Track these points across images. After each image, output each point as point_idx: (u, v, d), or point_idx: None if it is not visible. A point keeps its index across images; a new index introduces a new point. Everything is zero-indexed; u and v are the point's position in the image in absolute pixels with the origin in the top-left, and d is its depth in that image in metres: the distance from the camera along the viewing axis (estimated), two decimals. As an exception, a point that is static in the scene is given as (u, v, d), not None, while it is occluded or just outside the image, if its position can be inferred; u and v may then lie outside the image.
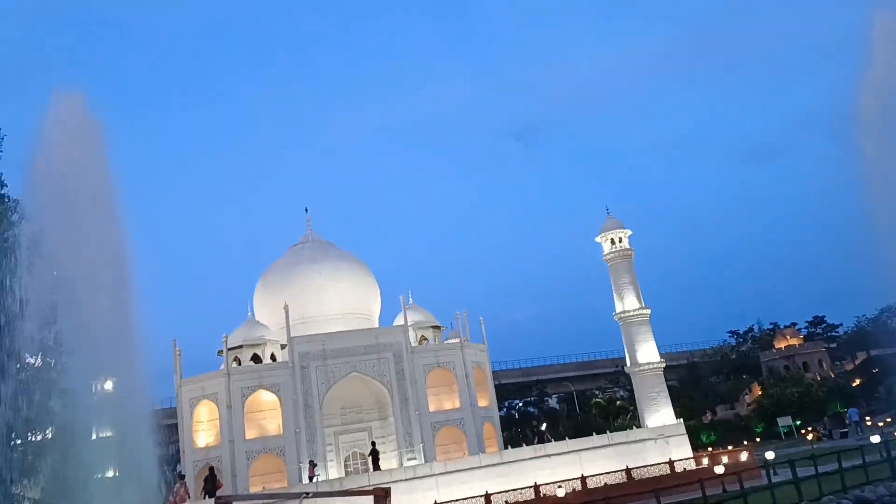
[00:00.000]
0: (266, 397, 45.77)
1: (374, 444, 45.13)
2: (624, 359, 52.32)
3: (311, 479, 41.16)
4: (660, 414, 48.13)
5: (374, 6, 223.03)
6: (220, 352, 47.77)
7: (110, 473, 19.21)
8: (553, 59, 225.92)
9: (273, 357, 48.73)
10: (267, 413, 45.93)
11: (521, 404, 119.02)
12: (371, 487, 7.43)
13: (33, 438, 19.50)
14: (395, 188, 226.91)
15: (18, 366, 18.13)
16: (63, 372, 18.39)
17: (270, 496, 21.29)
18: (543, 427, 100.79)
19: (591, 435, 45.96)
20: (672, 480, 32.49)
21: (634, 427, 51.07)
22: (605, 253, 51.87)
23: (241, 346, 48.09)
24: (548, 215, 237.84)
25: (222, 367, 46.70)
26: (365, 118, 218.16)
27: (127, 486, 16.58)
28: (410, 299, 53.24)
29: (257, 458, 43.74)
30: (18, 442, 18.90)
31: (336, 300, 52.76)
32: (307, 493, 17.97)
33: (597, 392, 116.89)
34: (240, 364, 47.33)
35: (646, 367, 49.03)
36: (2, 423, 17.47)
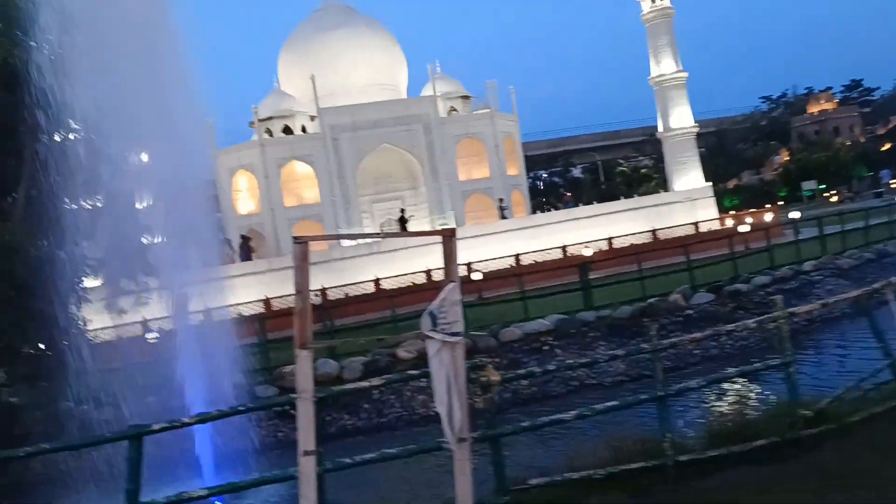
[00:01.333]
0: (300, 168, 46.78)
1: (402, 211, 46.36)
2: (652, 127, 51.84)
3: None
4: (689, 178, 48.66)
5: None
6: (252, 123, 48.04)
7: (158, 239, 20.33)
8: None
9: (304, 129, 48.98)
10: (303, 183, 47.24)
11: (545, 175, 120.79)
12: (439, 228, 7.84)
13: (86, 204, 20.17)
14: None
15: (62, 131, 18.44)
16: (107, 138, 18.43)
17: (344, 236, 21.27)
18: (568, 195, 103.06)
19: (608, 202, 47.14)
20: (695, 240, 33.71)
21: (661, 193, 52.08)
22: (643, 12, 49.14)
23: (271, 118, 48.19)
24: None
25: (254, 137, 47.25)
26: None
27: (184, 248, 17.44)
28: (438, 69, 51.91)
29: (297, 224, 45.76)
30: (75, 206, 19.70)
31: (361, 70, 51.57)
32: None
33: (621, 161, 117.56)
34: (271, 135, 47.78)
35: (678, 131, 48.64)
36: (57, 185, 18.18)
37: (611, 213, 44.64)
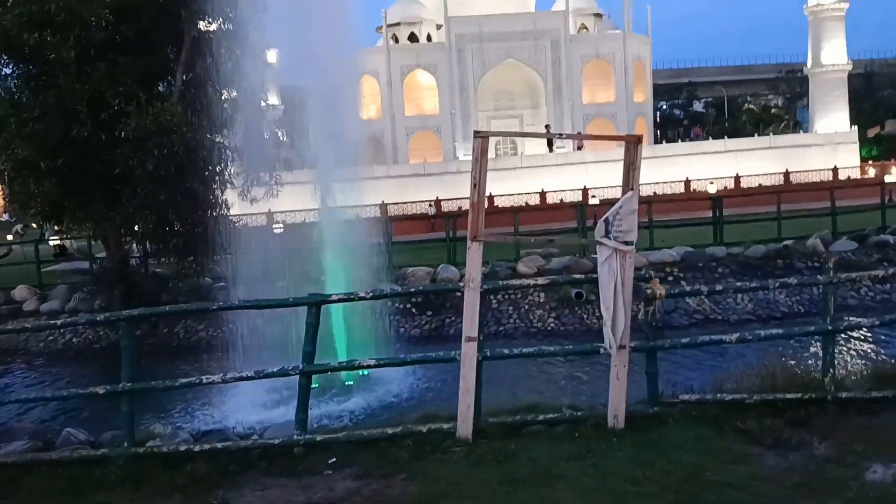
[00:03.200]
0: (423, 78, 46.70)
1: (547, 127, 44.95)
2: (786, 64, 48.28)
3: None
4: (832, 120, 45.35)
5: None
6: (379, 28, 48.03)
7: (281, 136, 20.95)
8: None
9: (429, 37, 48.58)
10: (424, 93, 47.26)
11: (665, 106, 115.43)
12: (624, 135, 7.76)
13: (226, 94, 20.81)
14: None
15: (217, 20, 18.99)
16: (256, 31, 18.72)
17: (523, 134, 20.59)
18: (687, 131, 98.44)
19: (737, 139, 44.66)
20: (834, 186, 31.65)
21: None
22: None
23: (398, 24, 48.02)
24: None
25: (380, 42, 47.33)
26: None
27: (329, 145, 17.86)
28: (572, -18, 49.78)
29: (415, 134, 46.18)
30: (216, 95, 20.40)
31: (493, -21, 50.17)
32: (561, 134, 18.51)
33: (749, 98, 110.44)
34: (397, 42, 47.71)
35: (829, 68, 45.08)
36: (207, 73, 18.89)
37: (740, 150, 42.44)
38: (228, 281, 17.65)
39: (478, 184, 7.36)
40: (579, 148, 42.43)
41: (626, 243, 7.03)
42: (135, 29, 16.98)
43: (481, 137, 7.35)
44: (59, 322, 12.34)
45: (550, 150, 42.92)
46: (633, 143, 7.91)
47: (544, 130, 46.93)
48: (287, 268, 17.91)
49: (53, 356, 18.40)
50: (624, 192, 7.31)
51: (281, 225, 26.53)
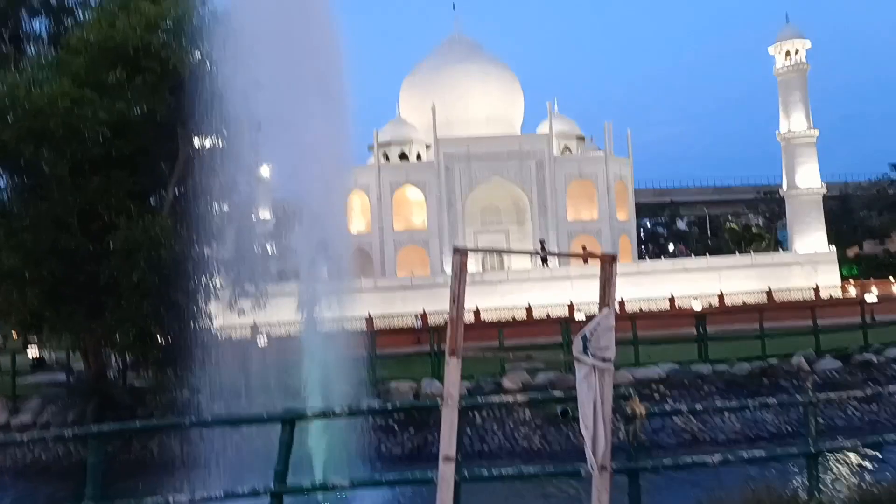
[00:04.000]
0: (412, 194, 47.90)
1: (542, 241, 45.56)
2: (766, 185, 50.06)
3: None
4: (811, 240, 46.47)
5: None
6: (371, 147, 49.67)
7: (270, 249, 21.17)
8: None
9: (419, 156, 50.24)
10: (413, 208, 48.32)
11: (649, 223, 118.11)
12: (600, 253, 7.90)
13: (218, 208, 21.17)
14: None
15: (213, 137, 19.63)
16: (250, 148, 19.29)
17: (502, 250, 21.68)
18: (671, 248, 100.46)
19: (719, 256, 45.53)
20: (815, 304, 31.99)
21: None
22: (777, 66, 47.71)
23: (389, 143, 49.76)
24: (700, 32, 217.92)
25: (371, 160, 48.81)
26: None
27: (316, 258, 18.05)
28: (556, 108, 52.21)
29: (403, 248, 46.79)
30: (212, 209, 20.78)
31: (480, 104, 52.54)
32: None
33: (731, 217, 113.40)
34: (387, 160, 49.25)
35: (804, 191, 46.67)
36: (200, 187, 19.33)
37: (723, 267, 43.15)
38: (208, 395, 17.28)
39: (457, 298, 7.40)
40: (585, 255, 42.95)
41: (604, 360, 7.02)
42: (130, 145, 17.49)
43: (460, 253, 7.47)
44: (24, 437, 11.91)
45: (545, 264, 43.38)
46: (607, 262, 8.04)
47: (529, 246, 47.73)
48: (269, 382, 17.62)
49: (20, 473, 17.65)
50: (601, 309, 7.37)
51: (265, 337, 26.29)
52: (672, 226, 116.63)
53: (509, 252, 17.41)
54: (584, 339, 7.09)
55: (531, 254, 18.56)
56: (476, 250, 13.27)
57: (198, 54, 18.42)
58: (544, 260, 43.00)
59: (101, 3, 18.89)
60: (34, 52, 20.62)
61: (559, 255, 17.59)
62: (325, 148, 17.35)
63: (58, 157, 16.35)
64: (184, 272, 17.69)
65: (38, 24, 21.52)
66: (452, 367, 7.21)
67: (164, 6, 17.11)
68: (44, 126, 15.86)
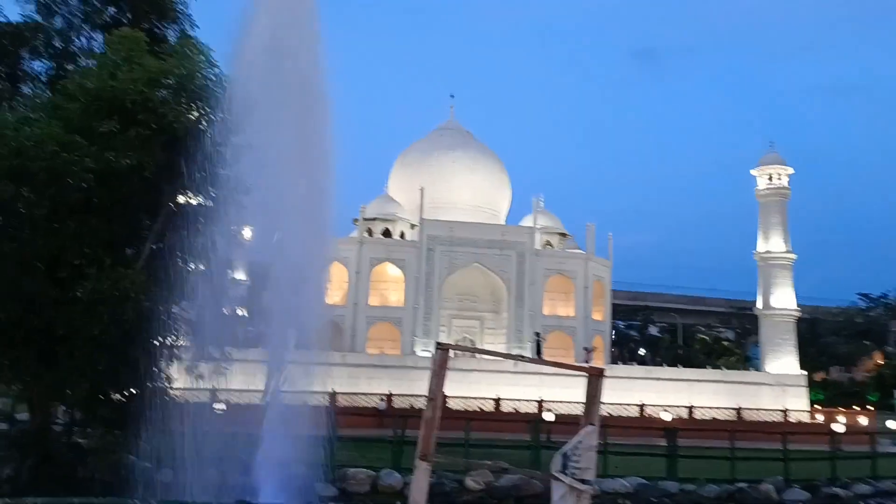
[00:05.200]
0: (391, 270, 47.68)
1: (538, 334, 45.29)
2: (739, 301, 50.65)
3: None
4: (782, 362, 46.68)
5: None
6: (356, 220, 49.72)
7: (241, 312, 20.65)
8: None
9: (402, 235, 50.33)
10: (390, 285, 47.99)
11: (622, 325, 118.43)
12: (587, 366, 7.55)
13: (193, 267, 20.73)
14: (533, 86, 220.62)
15: (196, 195, 19.37)
16: (237, 210, 19.00)
17: (486, 352, 21.68)
18: (642, 352, 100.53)
19: (691, 369, 45.48)
20: (784, 428, 31.73)
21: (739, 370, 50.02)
22: (758, 188, 49.12)
23: (374, 219, 49.90)
24: (684, 144, 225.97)
25: (355, 234, 48.75)
26: (509, 11, 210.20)
27: (288, 327, 17.59)
28: (542, 203, 52.97)
29: (376, 324, 46.16)
30: (186, 267, 20.33)
31: (468, 190, 53.29)
32: (522, 357, 18.57)
33: (702, 328, 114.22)
34: (371, 235, 49.23)
35: (778, 311, 47.22)
36: (177, 245, 18.95)
37: (694, 380, 42.95)
38: (155, 462, 16.36)
39: (434, 398, 7.04)
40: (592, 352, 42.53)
41: (584, 482, 6.63)
42: (113, 195, 17.13)
43: (443, 350, 7.13)
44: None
45: (539, 354, 42.80)
46: (595, 376, 7.76)
47: (505, 338, 47.32)
48: (222, 453, 16.76)
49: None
50: (583, 426, 7.02)
51: (224, 405, 25.28)
52: (644, 330, 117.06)
53: (492, 354, 17.05)
54: (565, 456, 6.71)
55: (515, 358, 18.13)
56: (459, 349, 12.82)
57: (195, 113, 18.40)
58: (538, 352, 42.66)
59: (105, 53, 18.91)
60: (30, 92, 20.49)
61: (542, 362, 17.15)
62: (308, 215, 17.20)
63: (37, 199, 15.92)
64: (147, 329, 17.07)
65: (39, 66, 21.50)
66: (421, 473, 6.75)
67: (169, 63, 17.13)
68: (27, 167, 15.50)
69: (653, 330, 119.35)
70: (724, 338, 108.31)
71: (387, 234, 50.19)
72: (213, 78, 18.39)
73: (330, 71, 18.30)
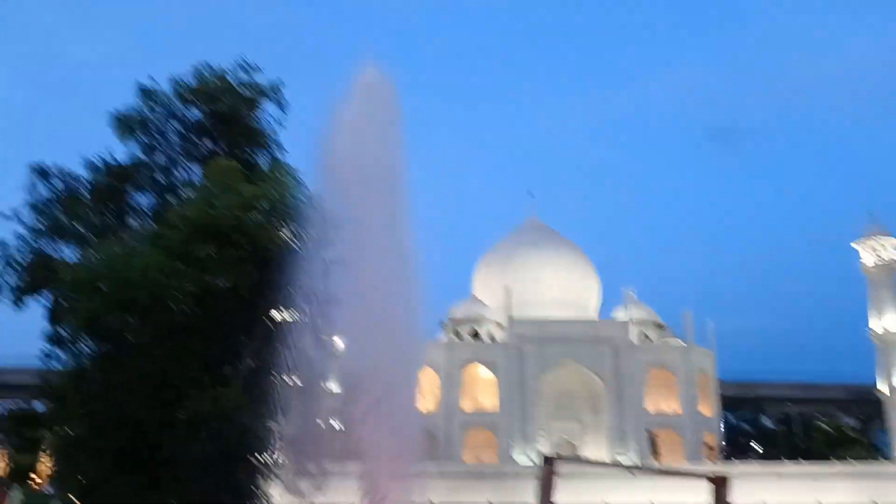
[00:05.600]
0: (483, 373, 46.96)
1: (651, 433, 43.34)
2: (859, 385, 46.88)
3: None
4: (917, 449, 42.36)
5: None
6: (443, 323, 49.71)
7: (335, 424, 20.43)
8: (800, 48, 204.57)
9: (491, 335, 49.82)
10: (482, 388, 47.14)
11: (731, 418, 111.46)
12: (710, 473, 6.97)
13: (289, 381, 20.92)
14: (615, 178, 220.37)
15: (291, 311, 19.77)
16: (326, 322, 19.24)
17: (596, 463, 20.44)
18: (756, 447, 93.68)
19: (815, 462, 41.69)
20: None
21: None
22: (864, 262, 46.40)
23: (462, 321, 49.76)
24: (774, 222, 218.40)
25: (440, 337, 48.59)
26: (586, 105, 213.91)
27: (385, 437, 17.26)
28: (633, 294, 51.63)
29: (470, 430, 45.07)
30: (283, 382, 20.52)
31: (555, 286, 52.69)
32: (638, 467, 17.63)
33: (820, 416, 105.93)
34: (459, 337, 48.95)
35: (906, 395, 43.35)
36: (273, 360, 19.23)
37: (820, 475, 39.31)
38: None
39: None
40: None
41: None
42: (210, 315, 17.70)
43: (549, 464, 6.66)
44: None
45: (655, 454, 40.58)
46: (720, 485, 7.05)
47: (606, 439, 45.17)
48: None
49: None
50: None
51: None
52: (757, 422, 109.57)
53: (605, 466, 16.19)
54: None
55: (628, 468, 17.26)
56: (566, 460, 12.21)
57: (286, 232, 19.09)
58: (654, 452, 40.59)
59: (203, 183, 20.07)
60: (136, 224, 21.83)
61: (662, 471, 16.08)
62: (399, 323, 17.18)
63: (142, 325, 16.60)
64: (248, 448, 17.14)
65: (143, 200, 22.98)
66: None
67: (262, 188, 17.97)
68: (133, 296, 16.26)
69: (766, 421, 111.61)
70: (847, 425, 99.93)
71: (475, 335, 49.81)
72: (303, 198, 19.17)
73: (414, 182, 18.82)
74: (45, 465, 26.28)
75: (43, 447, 25.93)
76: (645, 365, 46.34)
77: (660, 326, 50.98)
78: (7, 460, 30.02)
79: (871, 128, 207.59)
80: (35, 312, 21.14)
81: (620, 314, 49.13)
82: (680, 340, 49.19)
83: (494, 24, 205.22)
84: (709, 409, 47.56)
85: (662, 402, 46.44)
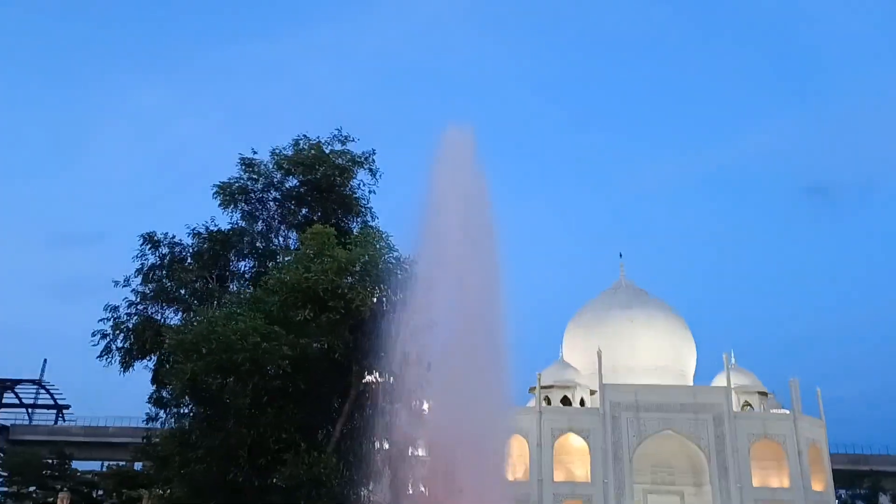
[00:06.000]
0: (575, 441, 45.28)
1: None
2: None
3: None
4: None
5: (701, 52, 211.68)
6: (532, 389, 48.55)
7: (423, 489, 19.90)
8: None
9: (582, 401, 48.25)
10: (575, 457, 45.38)
11: (845, 495, 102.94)
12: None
13: (379, 445, 20.69)
14: (707, 238, 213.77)
15: (379, 374, 19.71)
16: (419, 386, 19.06)
17: None
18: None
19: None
20: None
21: None
22: None
23: (552, 386, 48.45)
24: (880, 284, 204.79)
25: (532, 403, 47.38)
26: (680, 162, 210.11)
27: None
28: (733, 359, 49.11)
29: (563, 502, 43.26)
30: (369, 447, 20.31)
31: (649, 350, 50.77)
32: None
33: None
34: (549, 403, 47.62)
35: None
36: (364, 425, 19.11)
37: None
38: None
39: None
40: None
41: None
42: (307, 379, 17.86)
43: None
44: None
45: None
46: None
47: (708, 512, 42.35)
48: None
49: None
50: None
51: None
52: (874, 500, 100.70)
53: None
54: None
55: None
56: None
57: (378, 295, 19.23)
58: None
59: (299, 248, 20.61)
60: (236, 289, 22.55)
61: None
62: (488, 388, 16.82)
63: (241, 389, 16.89)
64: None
65: (243, 265, 23.79)
66: None
67: (355, 252, 18.26)
68: (233, 359, 16.61)
69: (883, 500, 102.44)
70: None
71: (565, 401, 48.33)
72: (393, 262, 19.36)
73: (503, 246, 18.73)
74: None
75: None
76: (750, 436, 43.55)
77: (763, 394, 48.05)
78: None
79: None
80: (140, 375, 22.00)
81: (720, 381, 46.66)
82: (785, 410, 46.14)
83: (592, 84, 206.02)
84: (821, 484, 44.01)
85: (771, 477, 43.36)
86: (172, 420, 20.04)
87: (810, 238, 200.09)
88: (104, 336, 20.93)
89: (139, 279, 22.34)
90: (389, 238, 19.99)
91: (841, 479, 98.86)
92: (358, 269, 18.36)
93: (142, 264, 22.62)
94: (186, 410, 19.15)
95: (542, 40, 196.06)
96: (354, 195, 24.16)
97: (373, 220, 24.20)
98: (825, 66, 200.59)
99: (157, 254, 22.95)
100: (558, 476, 44.47)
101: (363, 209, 24.30)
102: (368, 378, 19.96)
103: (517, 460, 47.38)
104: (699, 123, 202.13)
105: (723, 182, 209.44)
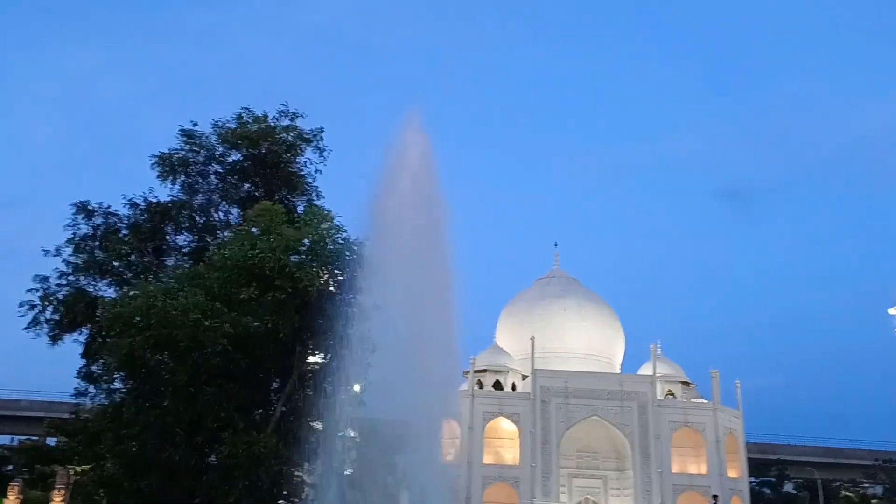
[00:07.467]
0: (505, 425, 46.01)
1: (716, 497, 41.98)
2: (886, 451, 45.21)
3: None
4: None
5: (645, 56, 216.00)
6: (466, 372, 49.02)
7: (348, 471, 20.02)
8: (825, 111, 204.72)
9: (514, 386, 49.03)
10: (505, 441, 46.13)
11: (754, 482, 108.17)
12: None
13: (316, 426, 20.48)
14: (637, 231, 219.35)
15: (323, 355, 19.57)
16: (362, 368, 19.04)
17: None
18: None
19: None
20: None
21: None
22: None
23: (485, 371, 49.01)
24: (799, 282, 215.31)
25: (465, 386, 47.87)
26: (608, 159, 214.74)
27: (362, 483, 17.07)
28: (660, 350, 50.72)
29: (492, 485, 43.98)
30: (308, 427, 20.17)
31: (579, 339, 51.93)
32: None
33: (845, 484, 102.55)
34: (482, 387, 48.20)
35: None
36: (305, 405, 18.97)
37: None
38: None
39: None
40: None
41: None
42: (248, 359, 17.56)
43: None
44: None
45: None
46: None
47: (632, 500, 43.80)
48: None
49: None
50: None
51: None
52: (779, 488, 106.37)
53: None
54: None
55: None
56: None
57: (326, 276, 19.05)
58: None
59: (243, 225, 20.16)
60: (173, 263, 21.90)
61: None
62: (436, 370, 16.97)
63: (179, 366, 16.48)
64: (279, 495, 16.81)
65: (182, 240, 23.09)
66: None
67: (304, 231, 18.00)
68: (171, 335, 16.19)
69: (788, 487, 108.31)
70: (872, 494, 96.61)
71: (497, 386, 49.01)
72: (342, 242, 19.19)
73: (450, 234, 18.82)
74: (58, 501, 25.91)
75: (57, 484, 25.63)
76: (671, 423, 45.23)
77: (686, 384, 49.92)
78: (18, 494, 29.70)
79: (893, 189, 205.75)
80: (68, 348, 21.12)
81: (646, 370, 48.19)
82: (705, 400, 48.08)
83: (522, 79, 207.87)
84: (736, 471, 46.18)
85: (689, 464, 45.18)
86: (103, 396, 19.39)
87: (726, 238, 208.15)
88: (32, 307, 20.03)
89: (70, 249, 21.44)
90: (338, 218, 19.80)
91: (752, 467, 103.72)
92: (306, 248, 18.12)
93: (73, 234, 21.70)
94: (120, 386, 18.54)
95: (486, 25, 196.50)
96: (300, 173, 23.74)
97: (318, 199, 23.83)
98: (743, 67, 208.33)
99: (91, 223, 22.05)
100: (487, 459, 45.15)
101: (309, 187, 23.90)
102: (312, 359, 19.80)
103: (448, 443, 47.85)
104: (629, 120, 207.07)
105: (649, 179, 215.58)
